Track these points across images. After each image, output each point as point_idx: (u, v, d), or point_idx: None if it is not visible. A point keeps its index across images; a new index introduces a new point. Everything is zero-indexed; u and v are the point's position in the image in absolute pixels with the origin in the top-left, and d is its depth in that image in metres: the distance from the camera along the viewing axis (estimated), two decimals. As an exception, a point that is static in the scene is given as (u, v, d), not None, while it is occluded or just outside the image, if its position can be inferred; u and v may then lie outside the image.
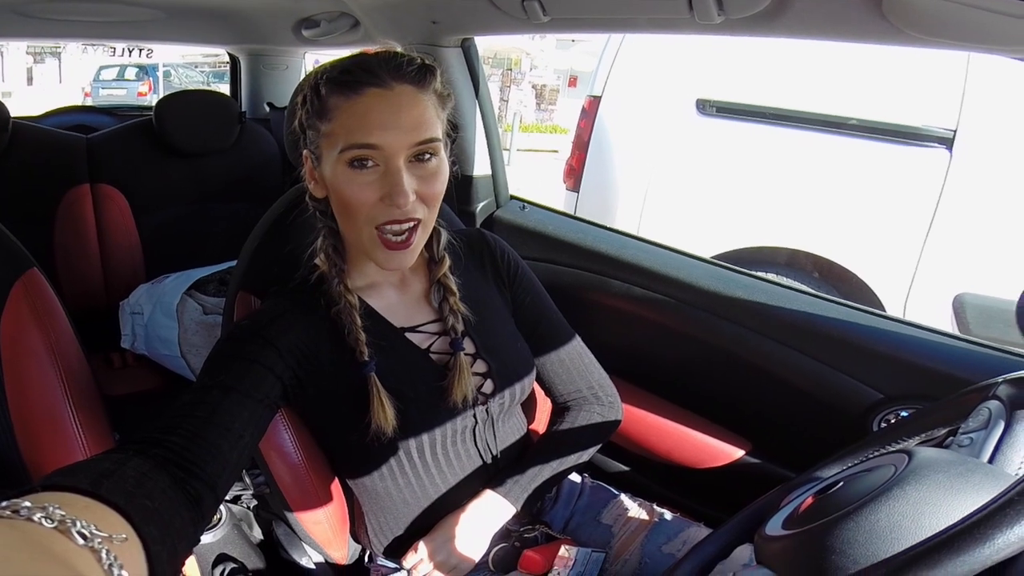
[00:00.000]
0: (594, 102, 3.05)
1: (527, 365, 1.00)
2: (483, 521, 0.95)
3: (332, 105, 0.78)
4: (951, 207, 2.53)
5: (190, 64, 16.65)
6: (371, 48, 0.86)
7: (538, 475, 0.98)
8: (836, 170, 2.70)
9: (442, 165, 0.82)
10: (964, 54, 2.48)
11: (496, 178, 1.65)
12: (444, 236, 0.94)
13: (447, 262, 0.94)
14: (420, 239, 0.83)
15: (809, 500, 0.62)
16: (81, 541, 0.40)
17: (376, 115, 0.76)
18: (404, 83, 0.78)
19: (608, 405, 1.06)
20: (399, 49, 0.84)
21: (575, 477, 1.13)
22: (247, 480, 1.23)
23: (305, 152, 0.84)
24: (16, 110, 1.96)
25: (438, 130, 0.81)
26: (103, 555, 0.40)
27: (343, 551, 1.06)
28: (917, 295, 2.61)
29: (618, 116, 3.02)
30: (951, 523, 0.43)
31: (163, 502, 0.54)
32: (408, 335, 0.92)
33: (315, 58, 2.73)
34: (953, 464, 0.54)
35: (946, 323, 2.38)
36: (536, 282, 1.06)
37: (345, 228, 0.85)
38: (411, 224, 0.81)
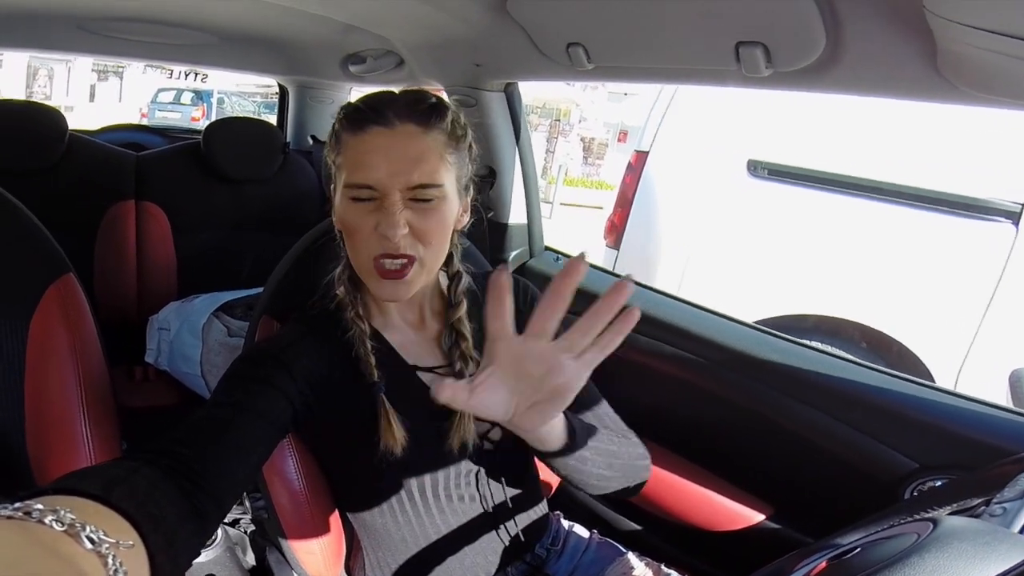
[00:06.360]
0: (640, 157, 2.99)
1: None
2: None
3: (343, 140, 0.81)
4: (1014, 282, 2.43)
5: (243, 93, 17.33)
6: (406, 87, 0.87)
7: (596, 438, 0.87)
8: (892, 240, 2.62)
9: (444, 204, 0.80)
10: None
11: (532, 227, 1.64)
12: (465, 280, 0.93)
13: (463, 307, 0.92)
14: (417, 275, 0.82)
15: (823, 564, 0.60)
16: (89, 545, 0.41)
17: (373, 154, 0.77)
18: (407, 122, 0.78)
19: (645, 452, 0.98)
20: (438, 89, 0.85)
21: (583, 532, 1.10)
22: (247, 504, 1.22)
23: (333, 186, 0.86)
24: (75, 124, 2.04)
25: (440, 174, 0.79)
26: (109, 560, 0.41)
27: None
28: (970, 369, 2.50)
29: (665, 173, 2.95)
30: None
31: (170, 512, 0.55)
32: (420, 373, 0.90)
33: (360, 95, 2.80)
34: (980, 533, 0.51)
35: (1001, 398, 2.29)
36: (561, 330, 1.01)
37: (350, 258, 0.85)
38: (404, 260, 0.80)
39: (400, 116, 0.78)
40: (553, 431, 0.78)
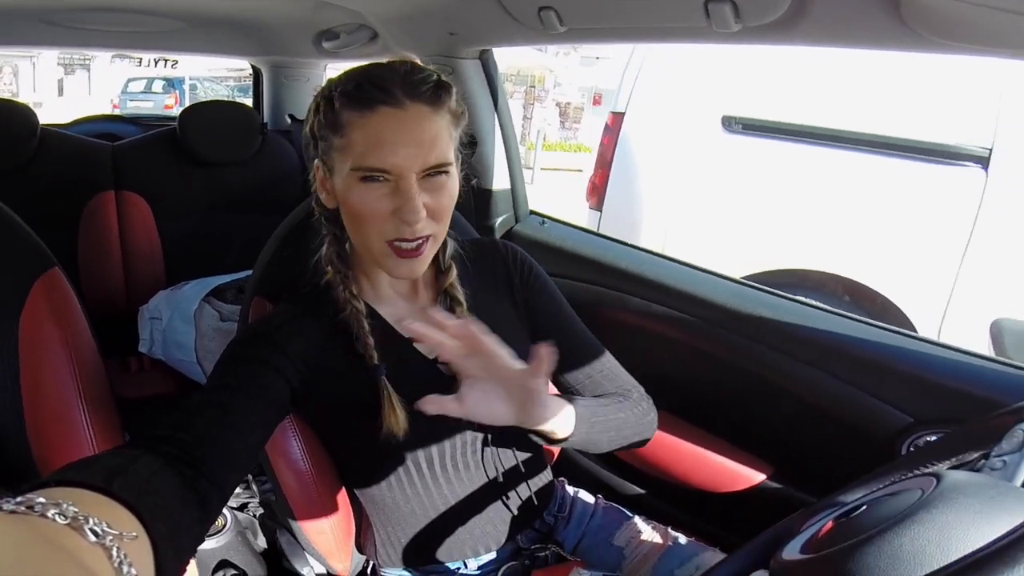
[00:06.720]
0: (617, 118, 2.99)
1: None
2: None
3: (345, 120, 0.77)
4: (988, 228, 2.45)
5: (216, 78, 16.93)
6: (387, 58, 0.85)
7: (602, 416, 0.92)
8: (867, 190, 2.63)
9: (451, 180, 0.81)
10: (1000, 68, 2.42)
11: (515, 192, 1.63)
12: (451, 245, 0.93)
13: (454, 272, 0.92)
14: (431, 250, 0.83)
15: (829, 524, 0.60)
16: (93, 538, 0.40)
17: (388, 135, 0.76)
18: (418, 102, 0.77)
19: (651, 406, 1.00)
20: (415, 60, 0.83)
21: (588, 498, 1.11)
22: (254, 488, 1.23)
23: (317, 162, 0.84)
24: (46, 120, 2.00)
25: (450, 153, 0.80)
26: (113, 552, 0.40)
27: (346, 563, 1.04)
28: (952, 320, 2.52)
29: (642, 133, 2.96)
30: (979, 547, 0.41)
31: (172, 500, 0.55)
32: (417, 345, 0.90)
33: (336, 70, 2.76)
34: (984, 487, 0.52)
35: (983, 349, 2.31)
36: (556, 292, 1.02)
37: (356, 239, 0.84)
38: (420, 240, 0.80)
39: (410, 95, 0.76)
40: (558, 422, 0.84)
